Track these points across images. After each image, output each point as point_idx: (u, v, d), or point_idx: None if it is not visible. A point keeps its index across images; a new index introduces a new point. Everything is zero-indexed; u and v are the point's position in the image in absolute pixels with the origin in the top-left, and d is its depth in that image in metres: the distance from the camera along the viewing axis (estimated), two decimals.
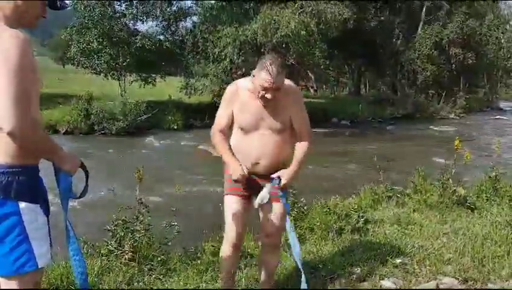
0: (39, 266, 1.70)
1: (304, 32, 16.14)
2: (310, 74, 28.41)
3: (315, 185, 8.53)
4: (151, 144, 14.78)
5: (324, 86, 46.66)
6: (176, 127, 17.36)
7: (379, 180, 6.04)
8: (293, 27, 15.76)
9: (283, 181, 2.65)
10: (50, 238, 1.78)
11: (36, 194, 1.69)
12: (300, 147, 2.72)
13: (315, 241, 4.30)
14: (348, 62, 33.85)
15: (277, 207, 2.75)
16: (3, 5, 1.67)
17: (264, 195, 2.64)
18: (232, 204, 2.77)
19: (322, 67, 19.21)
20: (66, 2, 1.90)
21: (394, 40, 30.80)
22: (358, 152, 13.86)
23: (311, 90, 41.76)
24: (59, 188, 1.81)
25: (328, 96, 36.40)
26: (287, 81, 2.58)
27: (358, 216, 4.52)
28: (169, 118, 17.39)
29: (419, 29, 29.66)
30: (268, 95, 2.44)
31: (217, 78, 18.54)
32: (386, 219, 4.80)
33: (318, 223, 4.44)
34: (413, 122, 23.87)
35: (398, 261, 3.61)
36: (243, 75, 23.38)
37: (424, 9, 29.70)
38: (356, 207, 4.75)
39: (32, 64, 1.61)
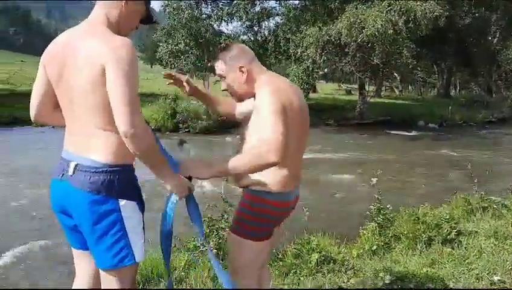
0: (136, 261, 1.77)
1: (391, 31, 15.51)
2: (395, 74, 27.28)
3: (401, 191, 8.20)
4: (231, 143, 15.14)
5: (410, 87, 44.75)
6: None
7: (473, 189, 5.65)
8: (379, 26, 15.20)
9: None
10: (144, 234, 1.85)
11: (134, 192, 1.76)
12: (248, 150, 1.99)
13: (402, 251, 4.12)
14: (438, 62, 32.08)
15: None
16: (109, 12, 1.77)
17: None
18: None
19: (409, 67, 18.32)
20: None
21: (490, 38, 28.62)
22: (447, 158, 13.05)
23: (396, 91, 40.25)
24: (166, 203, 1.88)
25: (414, 98, 34.79)
26: (267, 80, 2.05)
27: (450, 227, 4.25)
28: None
29: None
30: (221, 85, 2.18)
31: (297, 79, 18.48)
32: (481, 232, 4.45)
33: (405, 232, 4.24)
34: (510, 127, 21.95)
35: (495, 278, 3.32)
36: (325, 76, 23.13)
37: None
38: (448, 217, 4.44)
39: (138, 68, 1.69)
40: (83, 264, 1.92)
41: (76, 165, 1.71)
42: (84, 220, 1.71)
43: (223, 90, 2.20)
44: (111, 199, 1.69)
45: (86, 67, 1.64)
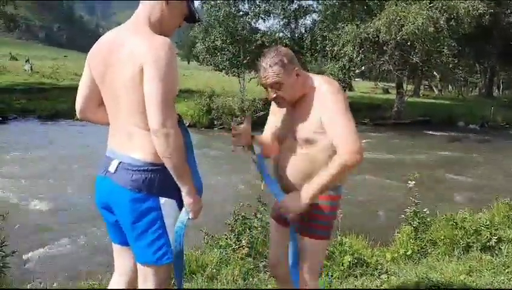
0: (174, 259, 1.80)
1: (432, 28, 15.02)
2: (434, 73, 26.49)
3: (438, 194, 7.98)
4: None
5: (450, 86, 43.42)
6: None
7: None
8: (420, 23, 14.74)
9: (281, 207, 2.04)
10: None
11: (173, 191, 1.77)
12: (332, 162, 1.90)
13: (438, 257, 4.01)
14: (480, 61, 30.89)
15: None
16: (151, 12, 1.79)
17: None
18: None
19: (450, 66, 17.72)
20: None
21: None
22: (487, 161, 12.58)
23: (436, 90, 39.14)
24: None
25: (454, 98, 33.71)
26: (319, 79, 2.03)
27: (490, 233, 4.09)
28: None
29: None
30: (270, 94, 2.03)
31: (334, 77, 18.24)
32: None
33: (442, 237, 4.12)
34: None
35: None
36: (361, 74, 22.65)
37: None
38: (488, 223, 4.28)
39: (177, 68, 1.70)
40: (122, 259, 1.97)
41: (119, 163, 1.75)
42: (125, 217, 1.75)
43: (271, 100, 2.08)
44: (152, 197, 1.73)
45: (127, 67, 1.67)
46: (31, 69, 26.95)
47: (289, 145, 2.07)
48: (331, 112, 1.91)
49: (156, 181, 1.73)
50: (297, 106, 2.03)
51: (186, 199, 1.76)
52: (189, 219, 1.80)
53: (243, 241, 3.67)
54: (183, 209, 1.80)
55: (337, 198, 2.08)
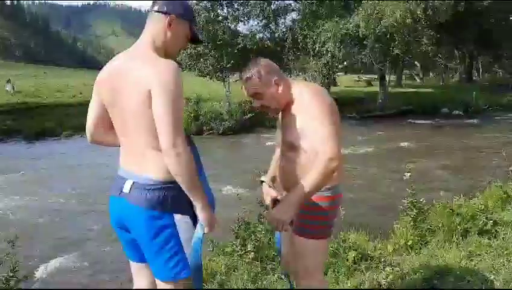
0: (191, 274, 1.86)
1: (410, 20, 15.29)
2: (415, 62, 26.89)
3: (431, 182, 8.12)
4: (254, 142, 15.23)
5: (431, 74, 43.98)
6: None
7: (507, 176, 5.57)
8: (398, 16, 15.02)
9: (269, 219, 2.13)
10: None
11: (187, 207, 1.83)
12: (311, 168, 1.94)
13: (438, 244, 4.11)
14: (458, 46, 31.41)
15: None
16: (155, 37, 1.86)
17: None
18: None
19: (430, 54, 18.03)
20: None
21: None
22: (475, 145, 12.82)
23: (417, 79, 39.62)
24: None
25: (436, 85, 34.17)
26: (301, 85, 2.12)
27: (486, 218, 4.21)
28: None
29: None
30: (254, 104, 2.16)
31: (318, 73, 18.42)
32: None
33: (440, 225, 4.23)
34: None
35: None
36: (345, 68, 22.79)
37: None
38: (483, 208, 4.41)
39: (182, 90, 1.76)
40: (140, 276, 2.02)
41: (132, 183, 1.81)
42: (142, 235, 1.81)
43: (257, 109, 2.21)
44: (166, 214, 1.78)
45: (134, 91, 1.73)
46: (13, 89, 26.67)
47: (283, 150, 2.17)
48: (311, 118, 1.96)
49: (170, 199, 1.78)
50: (285, 112, 2.11)
51: (201, 214, 1.82)
52: (204, 233, 1.85)
53: (249, 247, 3.73)
54: (198, 224, 1.85)
55: (332, 198, 2.12)
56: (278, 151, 2.34)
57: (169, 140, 1.66)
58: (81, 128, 16.80)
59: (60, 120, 17.71)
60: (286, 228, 2.02)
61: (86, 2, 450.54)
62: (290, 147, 2.09)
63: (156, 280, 1.90)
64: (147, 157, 1.80)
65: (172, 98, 1.68)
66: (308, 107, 1.98)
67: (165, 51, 1.87)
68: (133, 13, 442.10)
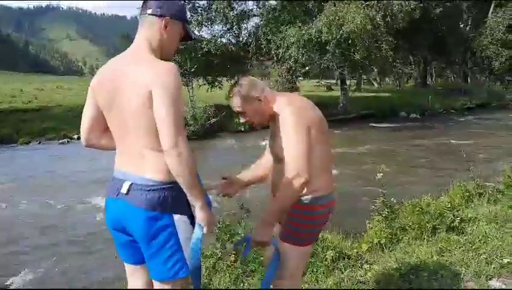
0: (190, 273, 1.87)
1: (370, 26, 15.81)
2: (373, 67, 27.74)
3: (398, 182, 8.38)
4: (219, 146, 15.22)
5: (387, 79, 45.37)
6: (243, 129, 17.71)
7: (467, 175, 5.86)
8: (358, 22, 15.49)
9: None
10: None
11: (186, 207, 1.85)
12: (280, 185, 2.06)
13: (409, 241, 4.27)
14: (413, 52, 32.64)
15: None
16: (151, 38, 1.87)
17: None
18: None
19: (389, 60, 18.68)
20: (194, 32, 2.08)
21: (462, 26, 29.29)
22: (434, 147, 13.37)
23: (375, 84, 40.79)
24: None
25: (393, 89, 35.34)
26: (283, 100, 2.18)
27: (453, 215, 4.42)
28: (236, 120, 17.69)
29: (490, 13, 27.94)
30: (241, 119, 2.29)
31: (281, 78, 18.65)
32: (481, 217, 4.65)
33: (411, 223, 4.40)
34: (490, 111, 22.56)
35: (505, 261, 3.50)
36: (306, 74, 22.95)
37: None
38: (449, 206, 4.63)
39: (182, 91, 1.79)
40: (135, 278, 2.01)
41: (131, 184, 1.80)
42: (142, 235, 1.80)
43: (242, 124, 2.34)
44: (166, 214, 1.79)
45: (135, 92, 1.74)
46: None
47: (273, 159, 2.30)
48: (285, 135, 2.07)
49: (169, 199, 1.79)
50: (273, 123, 2.21)
51: (200, 214, 1.82)
52: (203, 233, 1.86)
53: (228, 249, 3.74)
54: (196, 224, 1.86)
55: (310, 208, 2.16)
56: (265, 156, 2.47)
57: (171, 140, 1.68)
58: (39, 134, 16.42)
59: (16, 126, 17.02)
60: (267, 243, 2.16)
61: (38, 4, 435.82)
62: (277, 158, 2.19)
63: (153, 281, 1.90)
64: (146, 158, 1.80)
65: (173, 99, 1.70)
66: (284, 125, 2.08)
67: (161, 53, 1.88)
68: (88, 16, 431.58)
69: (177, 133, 1.68)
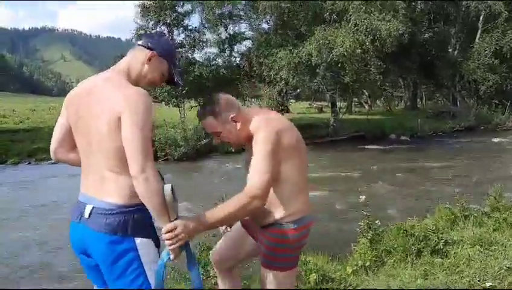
0: None
1: (359, 50, 16.09)
2: (363, 90, 28.09)
3: (384, 204, 8.39)
4: (210, 168, 15.19)
5: (378, 101, 45.83)
6: (233, 151, 17.71)
7: (453, 197, 5.89)
8: (348, 46, 15.76)
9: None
10: None
11: (149, 229, 1.83)
12: (236, 198, 1.94)
13: (394, 264, 4.26)
14: (403, 76, 33.09)
15: None
16: (132, 65, 1.91)
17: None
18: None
19: (378, 83, 18.94)
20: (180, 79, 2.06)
21: (451, 50, 29.85)
22: (422, 169, 13.45)
23: (366, 106, 41.18)
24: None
25: (383, 112, 35.68)
26: (258, 120, 2.10)
27: (438, 237, 4.42)
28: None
29: (477, 38, 28.54)
30: (214, 139, 2.21)
31: (272, 100, 18.80)
32: (466, 240, 4.65)
33: (396, 246, 4.39)
34: (478, 134, 22.82)
35: (487, 284, 3.49)
36: (298, 96, 23.31)
37: (481, 18, 28.57)
38: (434, 228, 4.63)
39: (152, 116, 1.78)
40: None
41: (92, 209, 1.80)
42: (103, 260, 1.79)
43: (217, 144, 2.29)
44: (127, 238, 1.77)
45: (103, 114, 1.75)
46: None
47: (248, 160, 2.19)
48: (255, 152, 1.99)
49: (130, 223, 1.78)
50: (249, 143, 2.11)
51: (166, 241, 1.80)
52: (169, 259, 1.82)
53: (211, 272, 3.70)
54: (164, 250, 1.84)
55: (298, 230, 2.11)
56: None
57: (138, 165, 1.68)
58: (29, 155, 16.31)
59: (6, 147, 16.90)
60: (175, 247, 1.79)
61: (34, 26, 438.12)
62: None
63: None
64: (107, 181, 1.79)
65: (143, 124, 1.71)
66: (256, 144, 2.01)
67: (136, 81, 1.90)
68: (83, 38, 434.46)
69: (144, 159, 1.69)
